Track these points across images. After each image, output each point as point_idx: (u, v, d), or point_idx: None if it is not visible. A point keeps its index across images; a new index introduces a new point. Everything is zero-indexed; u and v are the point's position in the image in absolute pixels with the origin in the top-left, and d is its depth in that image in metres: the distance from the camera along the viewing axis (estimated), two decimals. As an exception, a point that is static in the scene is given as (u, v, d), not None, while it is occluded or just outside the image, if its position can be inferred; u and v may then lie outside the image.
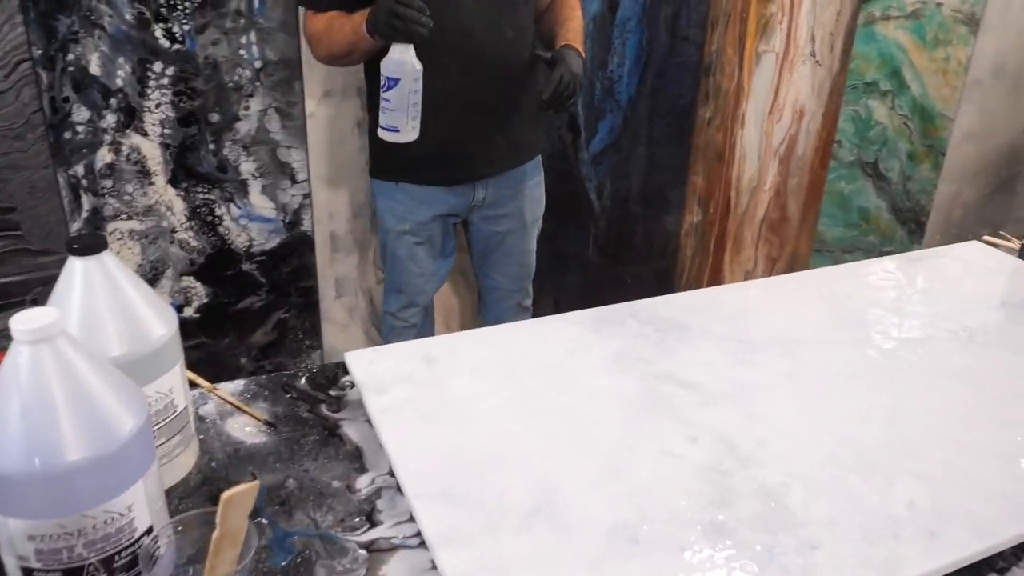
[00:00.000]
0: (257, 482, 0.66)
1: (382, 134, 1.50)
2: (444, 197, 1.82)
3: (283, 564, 0.82)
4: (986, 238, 1.54)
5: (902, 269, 1.41)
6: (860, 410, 1.01)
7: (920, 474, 0.90)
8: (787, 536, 0.81)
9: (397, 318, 1.97)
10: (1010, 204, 2.84)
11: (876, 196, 2.64)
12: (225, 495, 0.63)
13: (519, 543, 0.79)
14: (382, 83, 1.46)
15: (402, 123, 1.47)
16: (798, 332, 1.18)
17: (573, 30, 1.77)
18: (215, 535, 0.64)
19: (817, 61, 2.41)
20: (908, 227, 2.65)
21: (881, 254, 2.66)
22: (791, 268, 2.54)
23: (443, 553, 0.78)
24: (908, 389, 1.05)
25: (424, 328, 2.02)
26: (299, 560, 0.82)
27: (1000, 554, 0.84)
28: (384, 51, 1.47)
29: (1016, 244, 1.51)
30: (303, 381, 1.09)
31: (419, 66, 1.45)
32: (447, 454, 0.91)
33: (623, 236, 2.38)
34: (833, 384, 1.06)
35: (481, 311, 2.12)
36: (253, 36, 1.84)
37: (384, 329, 2.03)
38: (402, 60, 1.44)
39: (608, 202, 2.31)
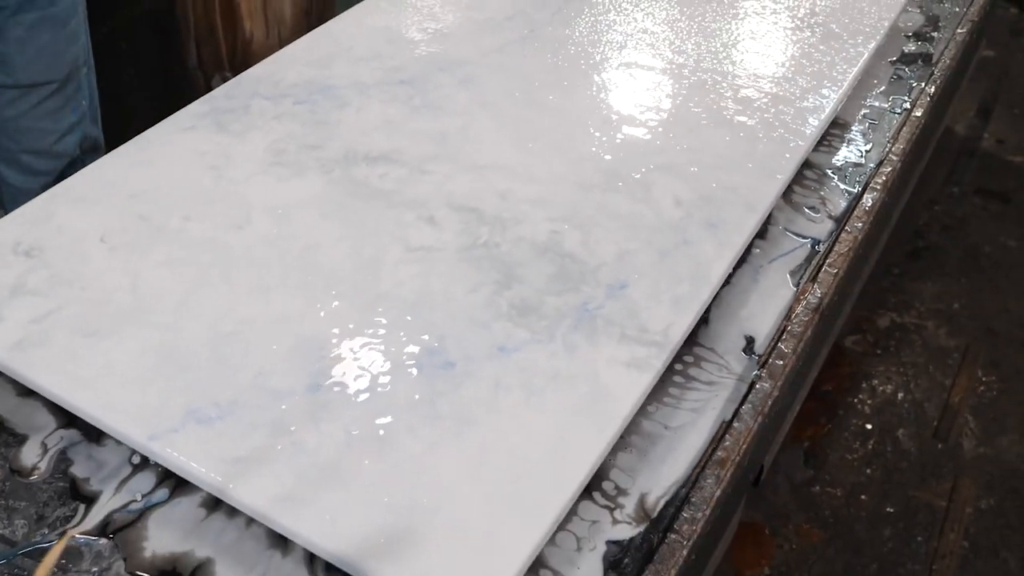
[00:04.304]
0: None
1: None
2: None
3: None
4: None
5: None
6: (575, 116, 1.06)
7: (669, 166, 1.00)
8: (591, 286, 0.86)
9: None
10: None
11: None
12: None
13: (321, 434, 0.74)
14: None
15: None
16: (454, 51, 1.17)
17: None
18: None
19: None
20: None
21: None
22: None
23: (243, 491, 0.70)
24: (603, 79, 1.13)
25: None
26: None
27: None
28: None
29: None
30: None
31: None
32: (153, 366, 0.78)
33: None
34: (535, 98, 1.09)
35: None
36: None
37: None
38: None
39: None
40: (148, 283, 0.86)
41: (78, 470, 0.78)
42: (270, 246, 0.89)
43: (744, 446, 0.81)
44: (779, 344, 0.89)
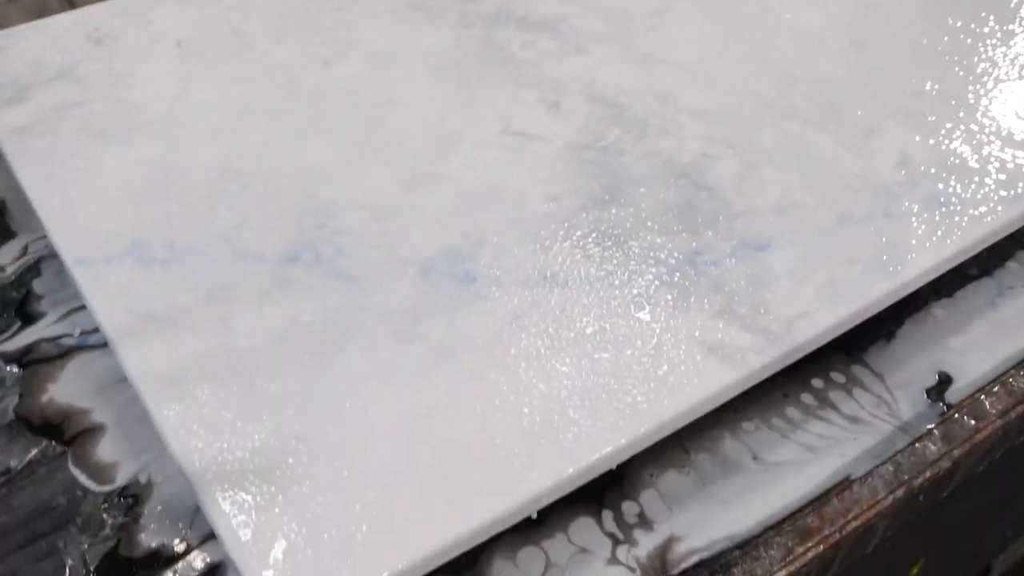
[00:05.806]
0: None
1: None
2: None
3: None
4: None
5: None
6: (807, 27, 0.79)
7: (911, 113, 0.71)
8: (718, 234, 0.61)
9: None
10: None
11: None
12: None
13: (261, 316, 0.56)
14: None
15: None
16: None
17: None
18: None
19: None
20: None
21: None
22: None
23: (130, 352, 0.54)
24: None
25: None
26: None
27: None
28: None
29: None
30: None
31: None
32: (136, 184, 0.64)
33: None
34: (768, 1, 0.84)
35: None
36: None
37: None
38: None
39: None
40: (195, 98, 0.72)
41: (40, 285, 0.67)
42: (347, 90, 0.72)
43: (853, 524, 0.53)
44: (983, 398, 0.59)
